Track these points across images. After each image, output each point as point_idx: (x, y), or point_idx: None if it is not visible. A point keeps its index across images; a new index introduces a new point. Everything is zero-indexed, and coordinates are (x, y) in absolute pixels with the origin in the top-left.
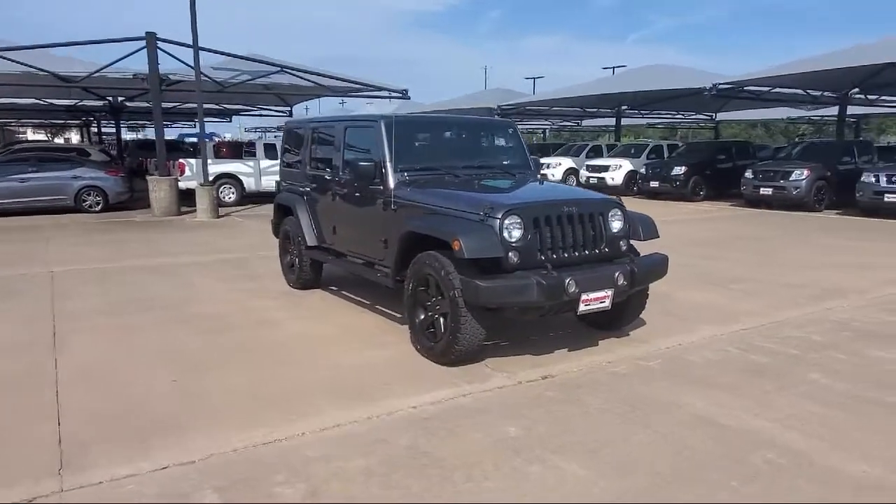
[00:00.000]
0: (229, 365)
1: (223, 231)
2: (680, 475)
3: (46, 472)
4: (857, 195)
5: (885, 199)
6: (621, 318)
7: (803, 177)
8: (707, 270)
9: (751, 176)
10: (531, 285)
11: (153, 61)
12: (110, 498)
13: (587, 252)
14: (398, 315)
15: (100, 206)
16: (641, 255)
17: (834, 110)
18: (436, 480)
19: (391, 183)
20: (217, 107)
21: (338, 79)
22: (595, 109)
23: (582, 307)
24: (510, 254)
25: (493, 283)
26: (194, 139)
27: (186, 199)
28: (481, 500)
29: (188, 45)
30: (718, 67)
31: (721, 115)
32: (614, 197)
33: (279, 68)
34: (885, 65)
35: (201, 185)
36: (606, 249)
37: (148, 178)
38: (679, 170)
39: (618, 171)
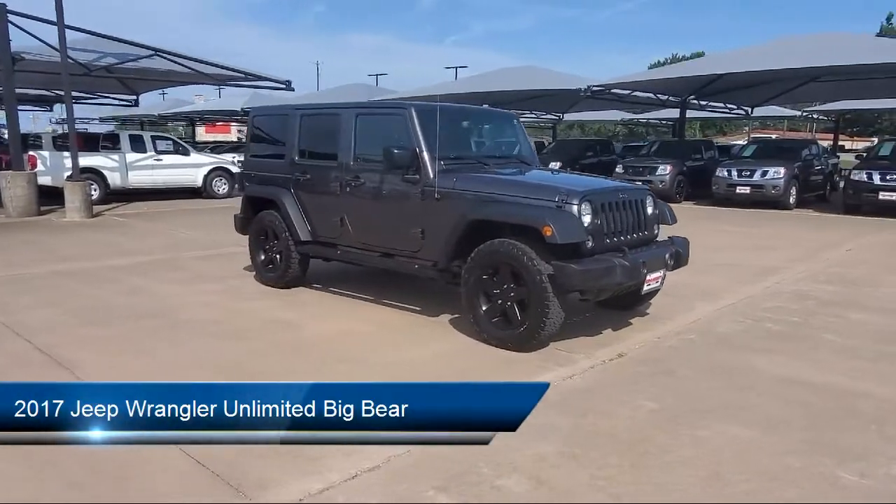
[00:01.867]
0: (290, 370)
1: (113, 232)
2: (825, 423)
3: (224, 494)
4: (714, 188)
5: (737, 191)
6: (642, 298)
7: (667, 172)
8: None
9: (621, 171)
10: (616, 267)
11: (4, 37)
12: None
13: (634, 235)
14: (416, 308)
15: None
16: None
17: (654, 114)
18: (631, 455)
19: (431, 172)
20: (48, 92)
21: (219, 66)
22: None
23: (646, 287)
24: (587, 238)
25: (585, 266)
26: None
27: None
28: (695, 467)
29: (51, 22)
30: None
31: (568, 116)
32: (645, 186)
33: (153, 52)
34: (718, 75)
35: (69, 179)
36: (646, 233)
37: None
38: (555, 165)
39: None
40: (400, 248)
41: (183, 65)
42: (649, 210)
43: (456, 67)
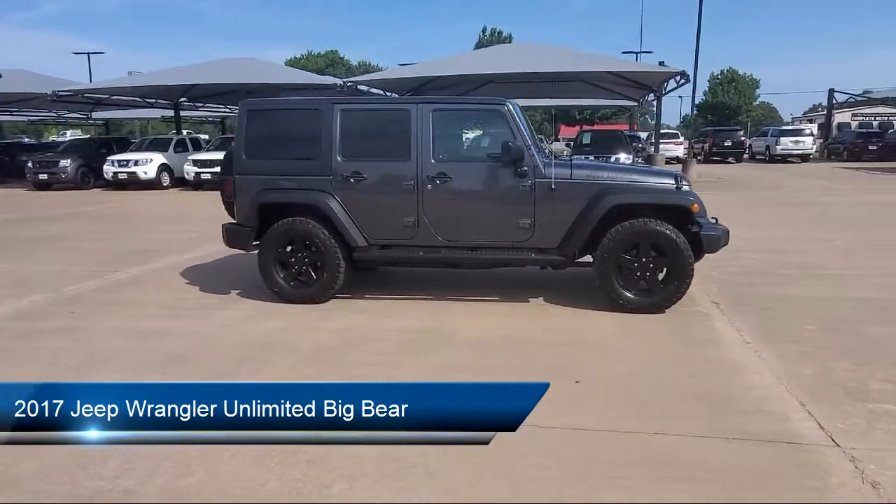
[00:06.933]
0: (539, 365)
1: None
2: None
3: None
4: None
5: None
6: None
7: None
8: None
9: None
10: (725, 232)
11: None
12: None
13: None
14: (495, 297)
15: None
16: None
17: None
18: (867, 350)
19: (540, 164)
20: None
21: None
22: (154, 100)
23: None
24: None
25: (718, 233)
26: None
27: None
28: None
29: None
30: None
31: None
32: None
33: None
34: (434, 77)
35: None
36: None
37: None
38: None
39: (149, 164)
40: (503, 240)
41: None
42: None
43: (89, 53)
